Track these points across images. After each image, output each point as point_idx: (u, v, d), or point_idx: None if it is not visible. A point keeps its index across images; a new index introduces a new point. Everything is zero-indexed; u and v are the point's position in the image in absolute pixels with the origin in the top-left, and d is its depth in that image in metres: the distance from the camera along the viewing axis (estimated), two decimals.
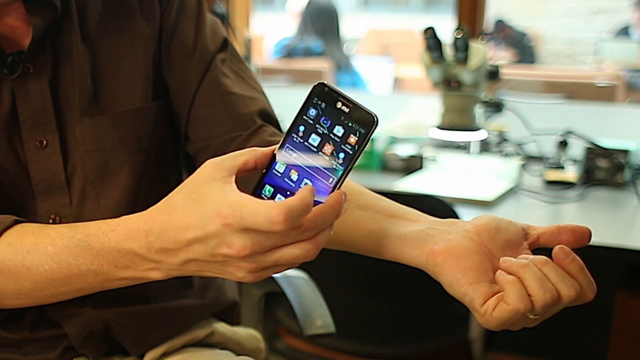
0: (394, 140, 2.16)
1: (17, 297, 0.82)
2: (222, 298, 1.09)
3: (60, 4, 0.92)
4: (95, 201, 0.94)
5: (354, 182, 0.89)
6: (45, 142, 0.92)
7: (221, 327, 1.08)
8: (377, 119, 0.67)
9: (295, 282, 1.31)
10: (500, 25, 6.43)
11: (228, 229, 0.65)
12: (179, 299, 1.02)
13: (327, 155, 0.68)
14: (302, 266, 1.38)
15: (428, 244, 0.77)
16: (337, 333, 1.21)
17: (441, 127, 2.05)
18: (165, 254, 0.71)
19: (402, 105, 2.58)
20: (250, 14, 3.59)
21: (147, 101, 0.97)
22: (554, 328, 2.25)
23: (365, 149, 0.68)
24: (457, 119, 2.02)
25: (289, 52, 4.79)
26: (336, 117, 0.68)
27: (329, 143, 0.68)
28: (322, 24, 4.79)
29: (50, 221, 0.92)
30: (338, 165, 0.68)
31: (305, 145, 0.69)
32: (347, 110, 0.68)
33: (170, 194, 0.71)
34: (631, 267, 1.65)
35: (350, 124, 0.68)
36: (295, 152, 0.69)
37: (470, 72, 1.93)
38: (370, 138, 0.68)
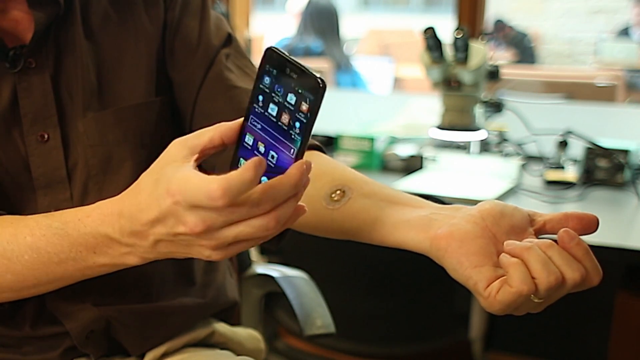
0: (394, 140, 2.16)
1: (0, 290, 0.83)
2: (222, 298, 1.09)
3: None
4: (98, 196, 0.94)
5: (358, 172, 0.89)
6: (46, 137, 0.92)
7: (221, 327, 1.08)
8: (322, 83, 0.64)
9: (295, 282, 1.31)
10: (500, 25, 6.43)
11: (179, 207, 0.65)
12: (180, 297, 1.02)
13: (285, 125, 0.66)
14: (302, 266, 1.38)
15: (432, 229, 0.75)
16: (337, 333, 1.22)
17: (441, 127, 2.05)
18: (136, 236, 0.72)
19: (402, 105, 2.58)
20: (250, 14, 3.59)
21: (150, 96, 0.98)
22: (554, 328, 2.25)
23: (317, 117, 0.65)
24: (457, 119, 2.03)
25: (289, 52, 4.79)
26: (287, 84, 0.66)
27: (285, 112, 0.66)
28: (322, 24, 4.79)
29: None
30: (296, 135, 0.65)
31: (266, 115, 0.67)
32: (295, 76, 0.65)
33: (140, 176, 0.72)
34: (631, 267, 1.65)
35: (300, 91, 0.65)
36: (259, 123, 0.68)
37: (470, 72, 1.94)
38: (320, 104, 0.64)
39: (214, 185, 0.62)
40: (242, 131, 0.69)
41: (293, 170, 0.64)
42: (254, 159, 0.63)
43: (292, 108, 0.65)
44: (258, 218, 0.65)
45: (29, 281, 0.81)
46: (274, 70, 0.67)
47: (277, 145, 0.67)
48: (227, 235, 0.66)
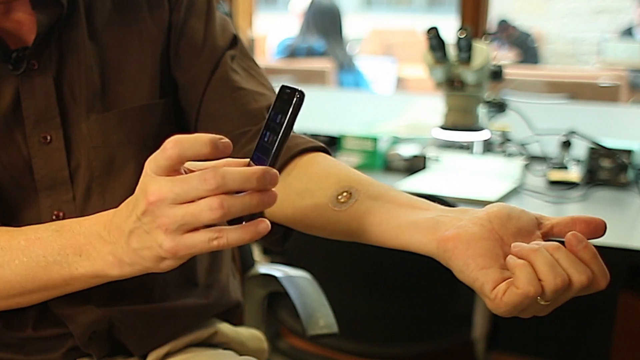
0: (397, 140, 2.16)
1: None
2: (225, 298, 1.09)
3: (66, 0, 0.92)
4: (101, 197, 0.94)
5: (364, 174, 0.89)
6: (49, 138, 0.92)
7: (224, 327, 1.08)
8: (297, 94, 0.66)
9: (298, 282, 1.31)
10: (504, 25, 6.43)
11: (145, 178, 0.68)
12: (183, 298, 1.02)
13: (268, 143, 0.68)
14: (305, 266, 1.38)
15: (439, 231, 0.75)
16: (340, 333, 1.21)
17: (444, 127, 2.04)
18: (118, 232, 0.73)
19: (405, 105, 2.58)
20: (253, 14, 3.59)
21: (154, 98, 0.98)
22: (557, 328, 2.25)
23: (294, 127, 0.67)
24: (460, 119, 2.02)
25: (292, 52, 4.80)
26: (281, 107, 0.67)
27: (273, 132, 0.68)
28: (324, 23, 4.80)
29: (54, 217, 0.93)
30: (271, 147, 0.67)
31: (263, 144, 0.69)
32: (286, 97, 0.67)
33: None
34: (634, 267, 1.64)
35: (284, 107, 0.67)
36: (257, 154, 0.70)
37: (473, 72, 1.93)
38: (292, 113, 0.66)
39: (169, 138, 0.66)
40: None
41: (253, 168, 0.66)
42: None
43: (276, 125, 0.67)
44: (207, 198, 0.65)
45: (15, 289, 0.82)
46: (278, 102, 0.68)
47: (260, 165, 0.68)
48: (176, 213, 0.66)
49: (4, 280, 0.81)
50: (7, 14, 0.92)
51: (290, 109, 0.66)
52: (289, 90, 0.67)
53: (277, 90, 0.70)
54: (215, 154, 0.66)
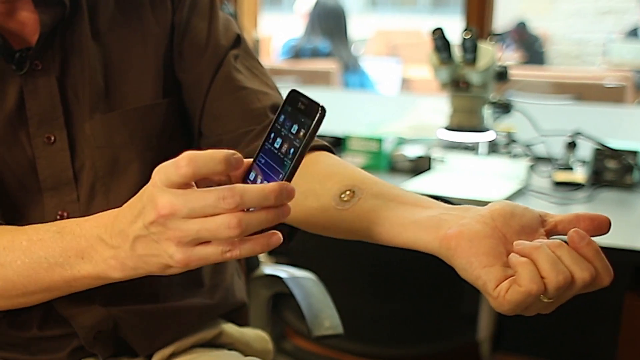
0: (402, 141, 2.16)
1: None
2: (230, 299, 1.09)
3: (69, 0, 0.92)
4: (104, 197, 0.94)
5: (367, 173, 0.89)
6: (53, 138, 0.93)
7: (229, 327, 1.08)
8: (320, 110, 0.65)
9: (303, 283, 1.31)
10: (521, 27, 6.41)
11: (155, 189, 0.67)
12: (188, 299, 1.02)
13: (282, 153, 0.68)
14: (310, 267, 1.38)
15: (442, 229, 0.75)
16: (345, 334, 1.21)
17: (449, 128, 2.04)
18: (121, 236, 0.72)
19: (410, 106, 2.58)
20: (258, 14, 3.59)
21: (157, 98, 0.98)
22: (562, 329, 2.25)
23: (314, 140, 0.67)
24: (466, 120, 2.02)
25: (297, 52, 4.80)
26: (295, 116, 0.67)
27: (287, 142, 0.67)
28: (329, 24, 4.79)
29: (58, 217, 0.93)
30: (288, 160, 0.67)
31: (271, 150, 0.69)
32: (303, 107, 0.67)
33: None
34: None
35: (302, 120, 0.66)
36: (264, 158, 0.69)
37: (478, 73, 1.93)
38: (315, 129, 0.66)
39: (183, 155, 0.65)
40: (249, 169, 0.71)
41: (272, 183, 0.66)
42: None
43: (292, 137, 0.67)
44: (223, 215, 0.65)
45: (18, 289, 0.82)
46: (289, 108, 0.68)
47: (271, 174, 0.68)
48: (191, 227, 0.66)
49: (6, 280, 0.81)
50: (10, 14, 0.92)
51: (312, 125, 0.66)
52: (306, 101, 0.67)
53: (282, 93, 0.69)
54: (228, 171, 0.67)
